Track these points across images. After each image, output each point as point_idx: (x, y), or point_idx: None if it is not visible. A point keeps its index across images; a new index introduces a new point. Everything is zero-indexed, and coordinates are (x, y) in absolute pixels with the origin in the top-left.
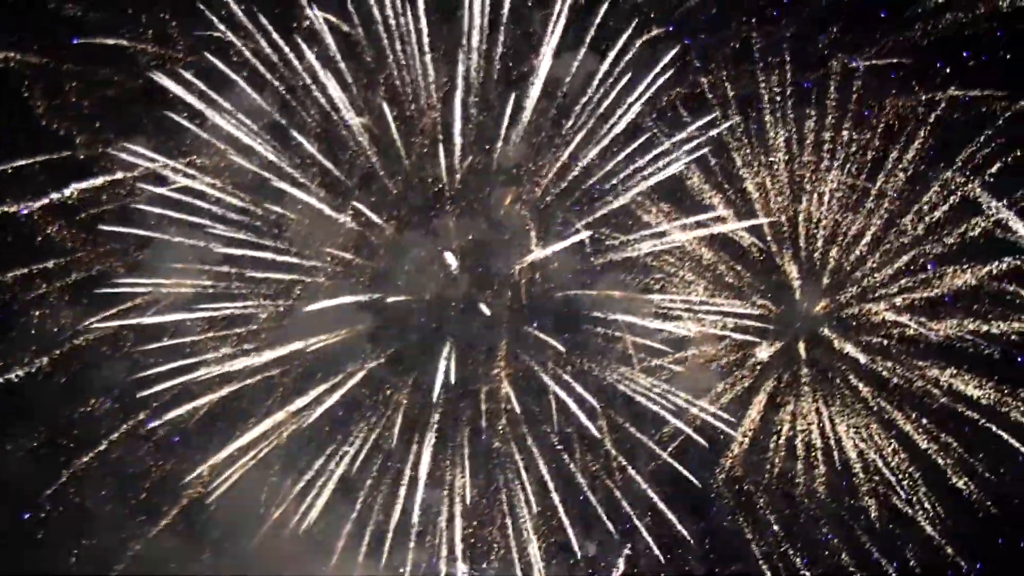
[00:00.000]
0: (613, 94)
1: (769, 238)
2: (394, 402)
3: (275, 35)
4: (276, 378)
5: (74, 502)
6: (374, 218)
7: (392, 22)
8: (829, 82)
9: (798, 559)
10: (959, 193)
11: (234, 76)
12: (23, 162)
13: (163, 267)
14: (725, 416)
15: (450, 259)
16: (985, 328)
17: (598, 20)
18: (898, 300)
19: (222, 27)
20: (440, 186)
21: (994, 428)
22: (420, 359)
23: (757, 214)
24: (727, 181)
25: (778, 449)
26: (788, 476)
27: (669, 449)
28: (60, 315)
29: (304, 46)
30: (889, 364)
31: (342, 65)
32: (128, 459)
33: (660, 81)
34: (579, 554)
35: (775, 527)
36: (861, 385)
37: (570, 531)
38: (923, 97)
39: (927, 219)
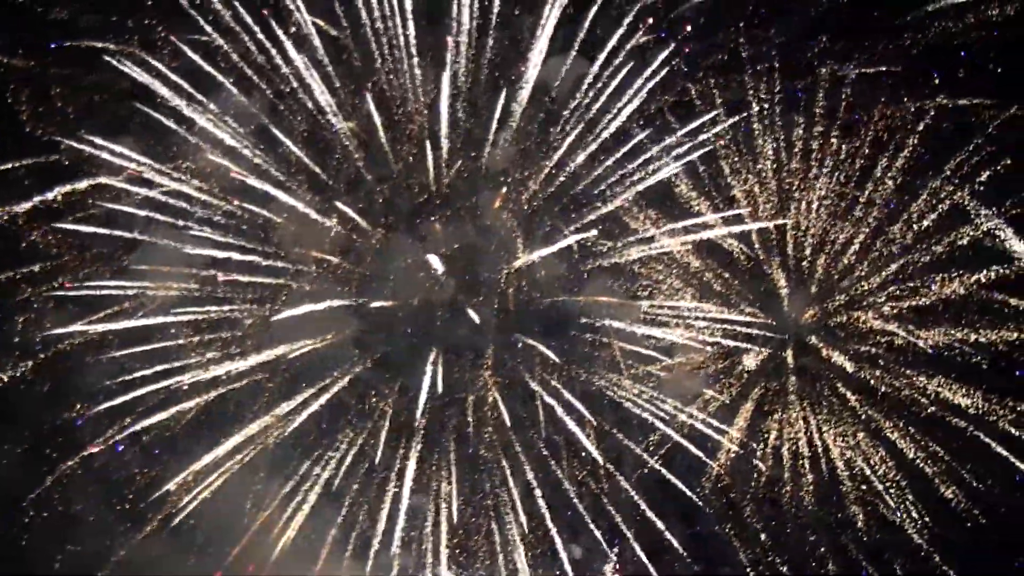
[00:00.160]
0: (602, 99)
1: (757, 246)
2: (380, 407)
3: (264, 39)
4: (262, 383)
5: (58, 507)
6: (360, 222)
7: (380, 26)
8: (818, 90)
9: (785, 567)
10: (948, 202)
11: (222, 79)
12: (7, 166)
13: (149, 271)
14: (713, 423)
15: (435, 263)
16: (973, 337)
17: (587, 25)
18: (886, 309)
19: (210, 30)
20: (427, 191)
21: (982, 436)
22: (406, 364)
23: (745, 221)
24: (715, 188)
25: (766, 457)
26: (776, 484)
27: (657, 456)
28: (45, 320)
29: (292, 50)
30: (877, 373)
31: (330, 69)
32: (113, 464)
33: (649, 87)
34: (566, 560)
35: (762, 535)
36: (849, 393)
37: (556, 537)
38: (912, 106)
39: (916, 227)
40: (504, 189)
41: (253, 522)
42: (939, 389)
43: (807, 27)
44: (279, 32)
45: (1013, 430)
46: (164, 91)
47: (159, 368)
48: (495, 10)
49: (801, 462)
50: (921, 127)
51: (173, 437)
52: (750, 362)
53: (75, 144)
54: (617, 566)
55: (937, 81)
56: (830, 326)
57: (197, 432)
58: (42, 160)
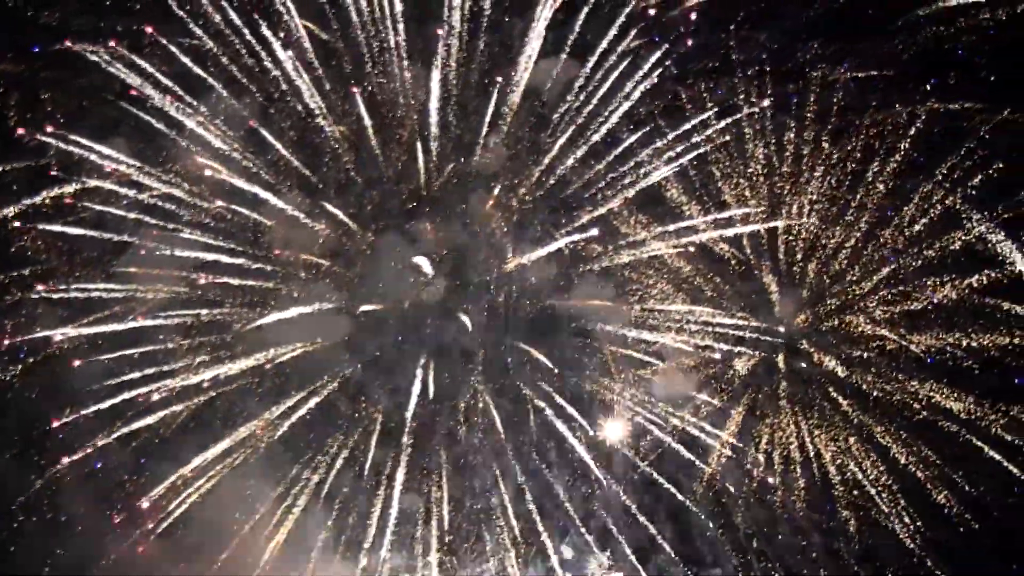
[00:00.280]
0: (593, 102)
1: (748, 250)
2: (371, 409)
3: (254, 42)
4: (253, 385)
5: (49, 510)
6: (350, 225)
7: (370, 29)
8: (809, 94)
9: (776, 574)
10: (940, 206)
11: (212, 82)
12: None
13: (138, 274)
14: (705, 426)
15: (424, 265)
16: (965, 341)
17: (577, 28)
18: (878, 313)
19: (200, 33)
20: (418, 193)
21: (974, 441)
22: (396, 367)
23: (736, 225)
24: (706, 192)
25: (757, 461)
26: (767, 488)
27: (648, 459)
28: (34, 323)
29: (281, 53)
30: (869, 377)
31: (320, 72)
32: (103, 467)
33: (639, 91)
34: (556, 561)
35: (754, 540)
36: (840, 398)
37: (546, 537)
38: (904, 110)
39: (907, 232)
40: (495, 192)
41: (244, 525)
42: (931, 393)
43: (799, 31)
44: (269, 35)
45: (1005, 435)
46: (154, 94)
47: (149, 372)
48: (486, 13)
49: (793, 467)
50: (913, 131)
51: (163, 440)
52: (741, 366)
53: (64, 146)
54: (610, 565)
55: (929, 85)
56: (821, 330)
57: (187, 435)
58: (31, 163)
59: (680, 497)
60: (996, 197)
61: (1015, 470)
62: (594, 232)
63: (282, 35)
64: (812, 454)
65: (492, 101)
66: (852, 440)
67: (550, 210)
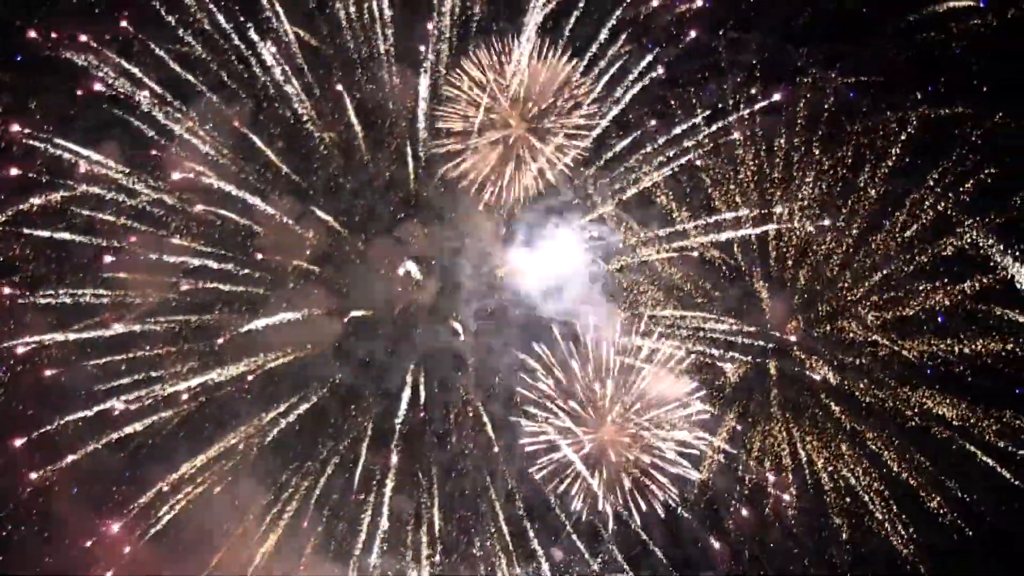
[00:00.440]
0: (584, 107)
1: (739, 256)
2: (361, 416)
3: (244, 48)
4: (243, 391)
5: (41, 512)
6: (339, 229)
7: (359, 35)
8: (800, 99)
9: None
10: (931, 211)
11: (202, 88)
12: None
13: (128, 280)
14: (698, 432)
15: (413, 270)
16: (958, 347)
17: (567, 32)
18: (870, 319)
19: (191, 40)
20: (408, 197)
21: (967, 446)
22: (387, 370)
23: (726, 231)
24: (696, 198)
25: (749, 467)
26: (759, 494)
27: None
28: (25, 328)
29: (271, 59)
30: (861, 383)
31: (310, 78)
32: (97, 470)
33: (629, 96)
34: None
35: (746, 546)
36: (832, 404)
37: (535, 540)
38: (895, 115)
39: (899, 237)
40: (486, 196)
41: (235, 529)
42: (923, 400)
43: (790, 35)
44: (259, 41)
45: (999, 441)
46: (143, 99)
47: (139, 377)
48: (475, 18)
49: (785, 472)
50: (904, 136)
51: (154, 444)
52: (732, 372)
53: (54, 151)
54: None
55: (921, 90)
56: (813, 336)
57: (178, 440)
58: (20, 168)
59: (672, 502)
60: (988, 202)
61: (1008, 475)
62: (586, 236)
63: (271, 43)
64: (804, 460)
65: (483, 104)
66: (844, 447)
67: (541, 215)
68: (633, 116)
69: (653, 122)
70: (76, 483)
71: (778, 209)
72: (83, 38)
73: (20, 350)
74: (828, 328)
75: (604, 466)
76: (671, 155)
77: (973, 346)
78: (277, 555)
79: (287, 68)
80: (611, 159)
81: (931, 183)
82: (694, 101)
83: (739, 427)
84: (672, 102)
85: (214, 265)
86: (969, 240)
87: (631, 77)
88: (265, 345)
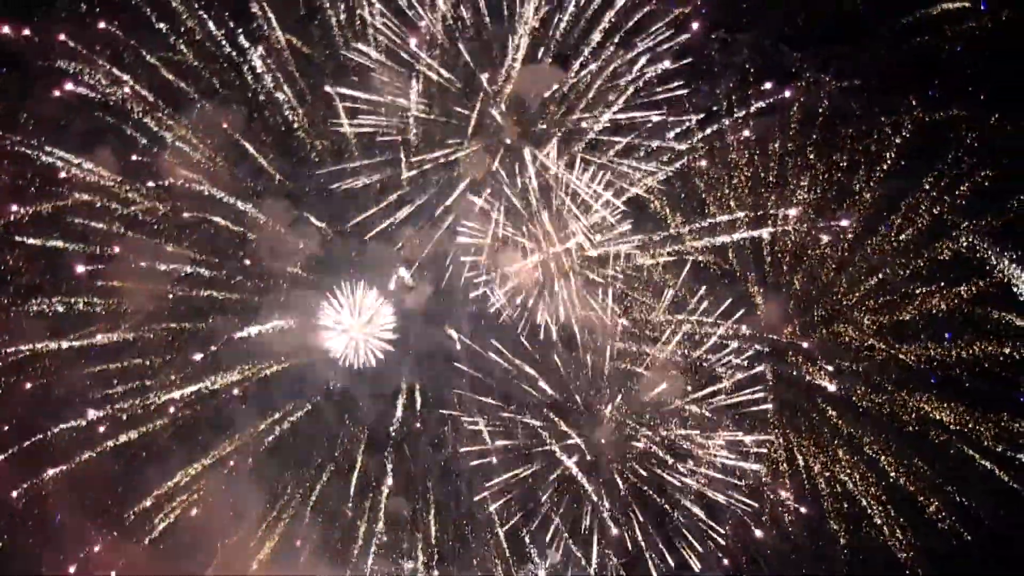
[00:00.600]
0: (577, 110)
1: (733, 260)
2: (357, 417)
3: (235, 54)
4: (240, 396)
5: (36, 521)
6: (332, 234)
7: (351, 39)
8: (795, 101)
9: None
10: (928, 215)
11: (194, 95)
12: None
13: (123, 288)
14: (693, 435)
15: (406, 276)
16: (955, 352)
17: (560, 35)
18: (867, 323)
19: (184, 49)
20: (400, 201)
21: (965, 450)
22: (382, 374)
23: (721, 235)
24: (690, 202)
25: (746, 472)
26: (756, 496)
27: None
28: (20, 336)
29: (263, 66)
30: (857, 388)
31: (302, 84)
32: (92, 478)
33: (623, 99)
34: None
35: (743, 550)
36: (829, 408)
37: (532, 543)
38: (890, 118)
39: (896, 241)
40: (481, 199)
41: (232, 533)
42: (921, 404)
43: (785, 38)
44: (249, 48)
45: (997, 445)
46: (135, 106)
47: (133, 385)
48: (467, 22)
49: (781, 479)
50: (899, 139)
51: (150, 452)
52: (728, 377)
53: (45, 159)
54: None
55: (916, 93)
56: (810, 341)
57: (175, 444)
58: (11, 177)
59: (668, 508)
60: (985, 206)
61: (1006, 479)
62: (580, 239)
63: (262, 49)
64: (801, 465)
65: (476, 107)
66: (841, 451)
67: (534, 218)
68: (625, 120)
69: (647, 124)
70: (71, 492)
71: (773, 212)
72: (73, 44)
73: (13, 359)
74: (825, 332)
75: (600, 468)
76: (665, 159)
77: (971, 350)
78: (274, 561)
79: (279, 75)
80: (604, 163)
81: (927, 186)
82: (687, 106)
83: (735, 431)
84: (663, 108)
85: (207, 272)
86: (966, 243)
87: (623, 81)
88: (259, 351)
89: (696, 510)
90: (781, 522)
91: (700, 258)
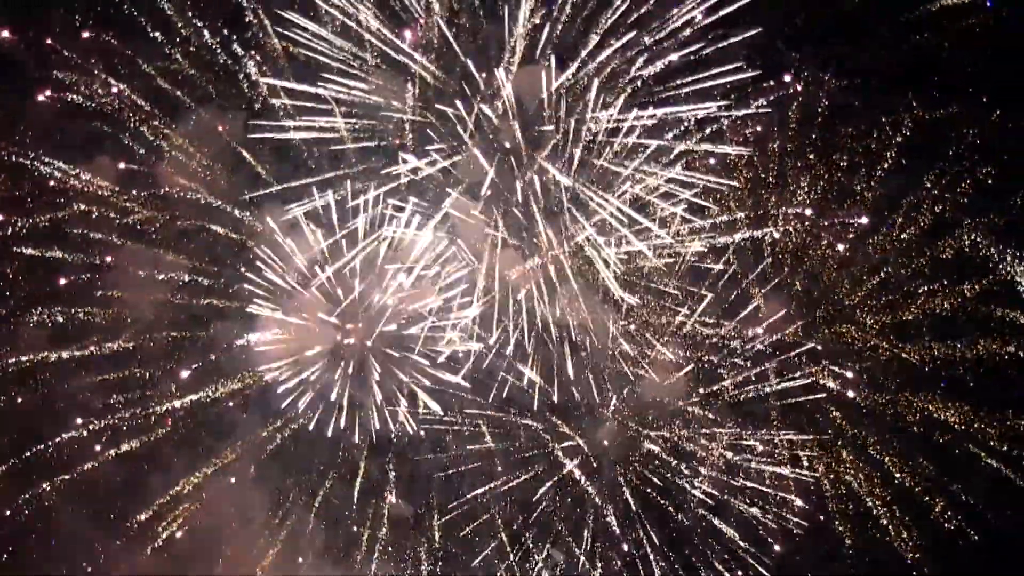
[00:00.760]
0: (577, 112)
1: (734, 261)
2: (360, 421)
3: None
4: (242, 403)
5: (41, 528)
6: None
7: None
8: (794, 100)
9: None
10: (930, 213)
11: (190, 103)
12: None
13: (122, 297)
14: (697, 437)
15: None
16: (958, 351)
17: (556, 35)
18: (869, 323)
19: (179, 58)
20: (400, 203)
21: (971, 447)
22: (384, 377)
23: (721, 236)
24: (689, 203)
25: (751, 474)
26: (760, 498)
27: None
28: (21, 346)
29: (258, 73)
30: (861, 389)
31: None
32: (97, 484)
33: (622, 100)
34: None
35: (748, 550)
36: (833, 409)
37: (533, 544)
38: (891, 116)
39: (897, 240)
40: (481, 203)
41: (237, 537)
42: (925, 404)
43: (782, 36)
44: (244, 56)
45: (1002, 444)
46: (132, 115)
47: (135, 394)
48: (464, 24)
49: (786, 481)
50: (900, 138)
51: (152, 460)
52: (730, 378)
53: (43, 169)
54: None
55: (917, 90)
56: (812, 341)
57: (179, 451)
58: (8, 186)
59: (671, 509)
60: (988, 204)
61: (1013, 477)
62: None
63: (258, 55)
64: (805, 465)
65: (474, 109)
66: (845, 452)
67: (533, 220)
68: (623, 120)
69: (646, 122)
70: (74, 502)
71: (774, 212)
72: (69, 53)
73: (13, 369)
74: (827, 332)
75: (603, 470)
76: (664, 160)
77: (975, 349)
78: (278, 567)
79: (275, 81)
80: (603, 165)
81: (929, 184)
82: (684, 102)
83: (738, 432)
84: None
85: (206, 281)
86: (969, 242)
87: (621, 81)
88: (261, 357)
89: (700, 511)
90: (786, 523)
91: (699, 259)
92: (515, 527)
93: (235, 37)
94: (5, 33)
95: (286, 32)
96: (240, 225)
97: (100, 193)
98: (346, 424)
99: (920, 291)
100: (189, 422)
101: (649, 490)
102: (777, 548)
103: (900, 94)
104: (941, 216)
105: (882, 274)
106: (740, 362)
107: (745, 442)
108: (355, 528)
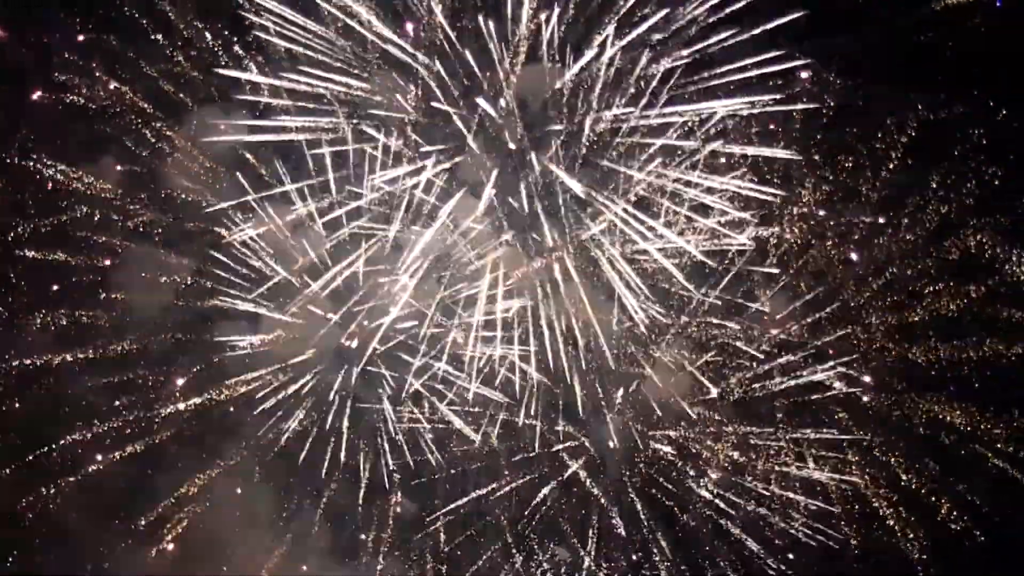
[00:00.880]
0: (578, 111)
1: (738, 260)
2: (364, 419)
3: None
4: (247, 403)
5: (46, 527)
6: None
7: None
8: (799, 99)
9: None
10: (936, 214)
11: (191, 105)
12: None
13: (127, 299)
14: (702, 438)
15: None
16: (965, 352)
17: (558, 34)
18: (874, 324)
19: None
20: (401, 203)
21: (977, 447)
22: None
23: (724, 237)
24: (693, 203)
25: (755, 472)
26: (766, 500)
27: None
28: (23, 348)
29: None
30: (867, 389)
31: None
32: (104, 486)
33: (624, 100)
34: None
35: (753, 548)
36: (838, 410)
37: (538, 542)
38: (896, 116)
39: (902, 240)
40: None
41: (243, 538)
42: (932, 405)
43: (784, 35)
44: (246, 56)
45: (1008, 445)
46: (134, 117)
47: (139, 396)
48: (466, 26)
49: (794, 482)
50: (905, 138)
51: (160, 458)
52: (735, 380)
53: (46, 171)
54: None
55: (922, 90)
56: (817, 342)
57: (185, 451)
58: (11, 189)
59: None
60: (994, 204)
61: (1020, 477)
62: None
63: (260, 56)
64: (811, 467)
65: (479, 110)
66: (851, 452)
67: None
68: (627, 118)
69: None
70: (81, 503)
71: (778, 212)
72: (70, 56)
73: (18, 371)
74: (833, 333)
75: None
76: (667, 160)
77: (981, 350)
78: (284, 566)
79: (276, 81)
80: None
81: (935, 185)
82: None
83: (743, 433)
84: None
85: (210, 283)
86: (974, 242)
87: (625, 81)
88: (266, 358)
89: (706, 511)
90: (792, 523)
91: (705, 258)
92: (519, 527)
93: (236, 39)
94: (6, 34)
95: (288, 32)
96: (244, 226)
97: (103, 196)
98: (350, 424)
99: (926, 292)
100: (194, 423)
101: (654, 491)
102: (783, 548)
103: (906, 94)
104: (947, 216)
105: (888, 275)
106: (745, 362)
107: (751, 442)
108: (360, 528)
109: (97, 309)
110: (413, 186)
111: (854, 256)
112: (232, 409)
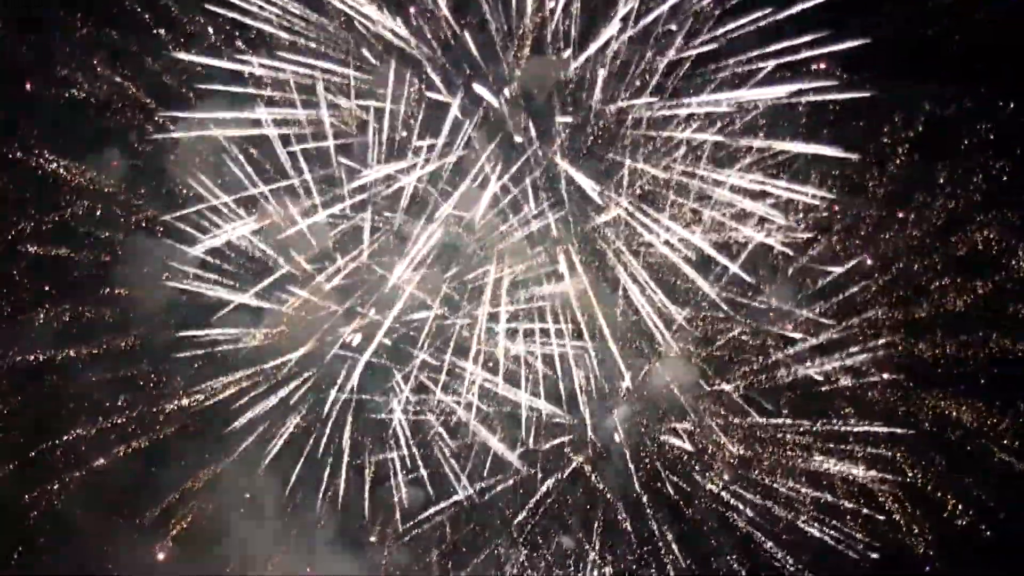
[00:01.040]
0: (583, 105)
1: (742, 256)
2: (368, 411)
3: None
4: (251, 396)
5: (51, 523)
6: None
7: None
8: (801, 98)
9: None
10: (942, 209)
11: (193, 99)
12: None
13: (130, 295)
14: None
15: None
16: (972, 348)
17: (562, 28)
18: (881, 319)
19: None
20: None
21: (983, 442)
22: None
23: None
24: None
25: (762, 472)
26: (773, 496)
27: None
28: (28, 343)
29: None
30: (874, 386)
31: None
32: (108, 480)
33: (624, 98)
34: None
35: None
36: (844, 406)
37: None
38: (903, 109)
39: (909, 236)
40: (488, 193)
41: (249, 527)
42: (938, 401)
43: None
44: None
45: (1015, 441)
46: (136, 111)
47: (142, 391)
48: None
49: (803, 480)
50: (912, 132)
51: (165, 451)
52: (740, 375)
53: (47, 165)
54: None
55: (926, 86)
56: (821, 338)
57: (189, 445)
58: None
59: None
60: (1002, 199)
61: None
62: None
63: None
64: (817, 464)
65: (483, 104)
66: (856, 448)
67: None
68: (632, 111)
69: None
70: (83, 498)
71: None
72: (72, 49)
73: (21, 367)
74: (838, 327)
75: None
76: (673, 154)
77: (987, 346)
78: (290, 558)
79: (277, 73)
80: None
81: (942, 180)
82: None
83: (749, 430)
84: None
85: (214, 277)
86: (982, 238)
87: (630, 73)
88: (269, 353)
89: (712, 504)
90: (797, 519)
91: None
92: (524, 519)
93: (238, 33)
94: (7, 29)
95: (291, 24)
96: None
97: (106, 190)
98: (355, 416)
99: (933, 287)
100: (198, 417)
101: (660, 484)
102: (789, 542)
103: (912, 88)
104: (954, 212)
105: (894, 270)
106: (752, 356)
107: (758, 435)
108: (366, 520)
109: (100, 304)
110: (417, 178)
111: (860, 251)
112: (236, 403)
